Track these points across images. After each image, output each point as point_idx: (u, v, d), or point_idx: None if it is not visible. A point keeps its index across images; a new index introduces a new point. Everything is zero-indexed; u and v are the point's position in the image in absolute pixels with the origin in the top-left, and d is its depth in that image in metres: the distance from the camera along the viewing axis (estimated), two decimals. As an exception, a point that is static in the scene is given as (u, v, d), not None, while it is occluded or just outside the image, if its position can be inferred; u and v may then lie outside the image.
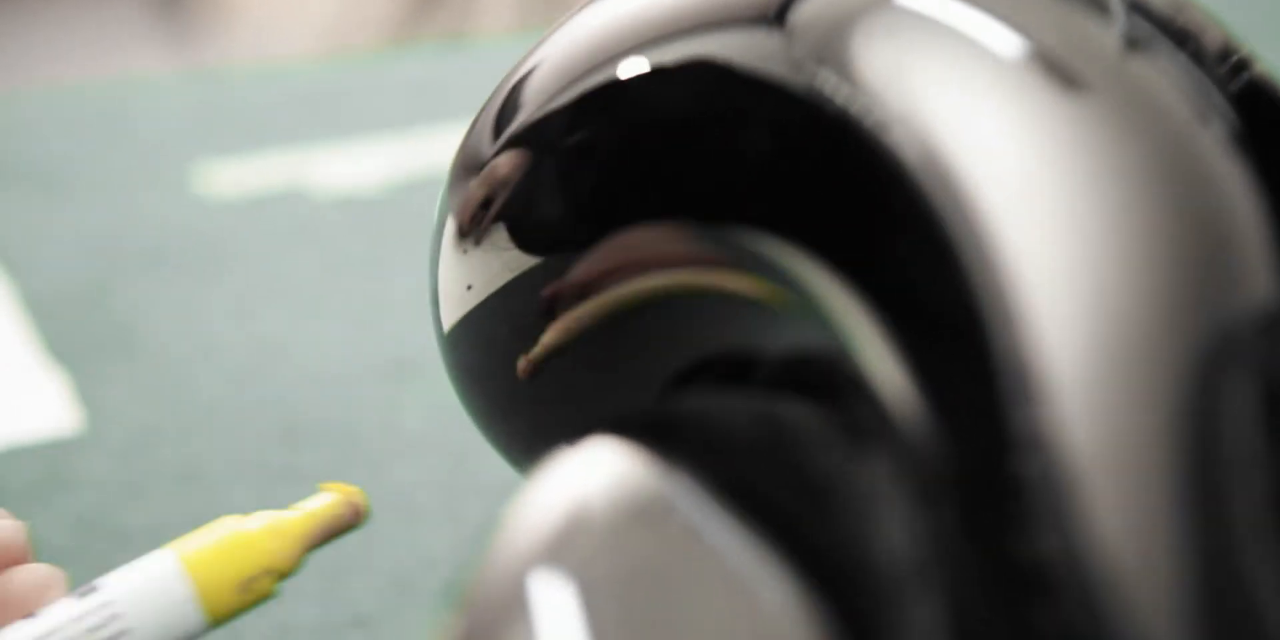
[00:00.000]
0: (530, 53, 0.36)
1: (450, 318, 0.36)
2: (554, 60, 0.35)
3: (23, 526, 0.37)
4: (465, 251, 0.35)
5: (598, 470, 0.26)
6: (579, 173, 0.33)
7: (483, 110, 0.36)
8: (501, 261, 0.35)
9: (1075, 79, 0.27)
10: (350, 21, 2.22)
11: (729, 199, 0.30)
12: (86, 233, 0.78)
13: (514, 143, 0.34)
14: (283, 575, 0.37)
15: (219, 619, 0.37)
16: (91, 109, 0.95)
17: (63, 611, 0.34)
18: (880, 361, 0.25)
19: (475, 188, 0.35)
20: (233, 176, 0.84)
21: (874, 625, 0.23)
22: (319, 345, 0.68)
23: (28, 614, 0.34)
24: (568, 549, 0.24)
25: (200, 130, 0.90)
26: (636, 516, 0.24)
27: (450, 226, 0.36)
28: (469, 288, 0.35)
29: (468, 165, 0.35)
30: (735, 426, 0.27)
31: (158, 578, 0.36)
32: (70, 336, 0.68)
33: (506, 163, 0.34)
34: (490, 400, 0.37)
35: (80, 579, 0.38)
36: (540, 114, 0.34)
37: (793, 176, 0.29)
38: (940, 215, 0.25)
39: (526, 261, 0.35)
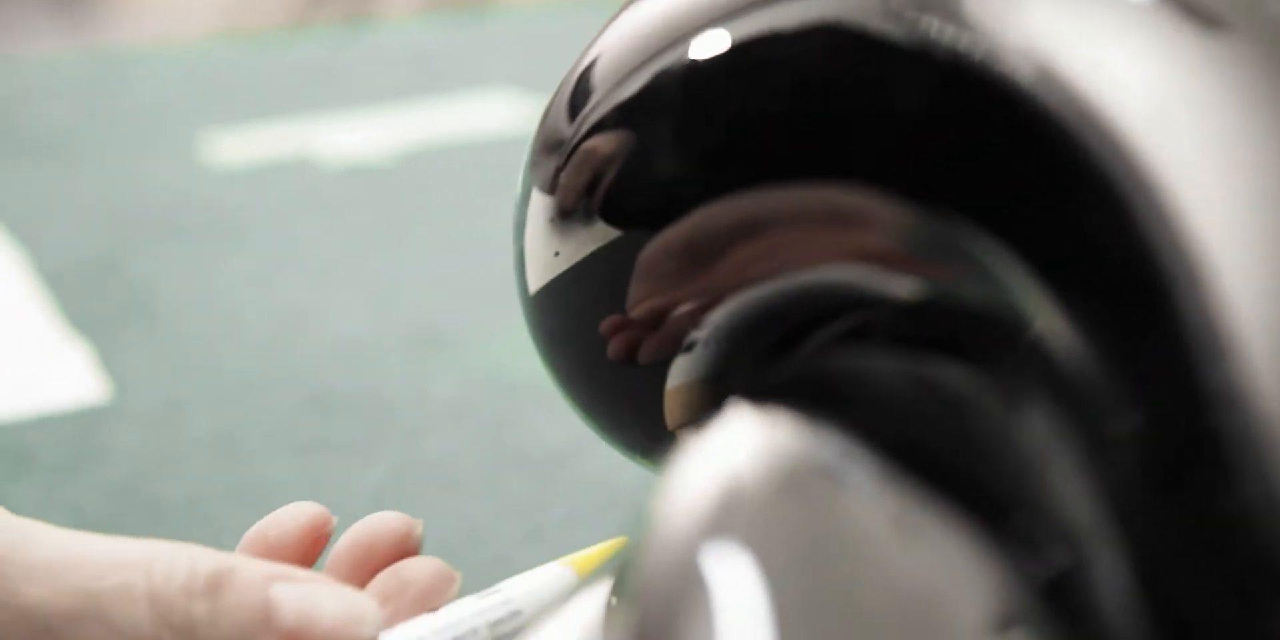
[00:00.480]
0: (607, 28, 0.35)
1: (537, 282, 0.35)
2: (634, 34, 0.34)
3: (419, 524, 0.37)
4: (552, 220, 0.35)
5: (747, 441, 0.25)
6: (669, 142, 0.33)
7: (566, 81, 0.35)
8: (591, 231, 0.34)
9: (1213, 18, 0.27)
10: (252, 6, 2.18)
11: (860, 157, 0.29)
12: (96, 204, 0.77)
13: (605, 116, 0.34)
14: None
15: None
16: (92, 79, 0.94)
17: (465, 605, 0.34)
18: (1052, 321, 0.24)
19: (564, 160, 0.34)
20: (239, 146, 0.83)
21: (1059, 583, 0.22)
22: (342, 315, 0.67)
23: (429, 608, 0.34)
24: (730, 526, 0.23)
25: (203, 100, 0.89)
26: (796, 486, 0.24)
27: (537, 197, 0.35)
28: (556, 254, 0.35)
29: (552, 139, 0.35)
30: (891, 388, 0.27)
31: (556, 585, 0.36)
32: (88, 306, 0.67)
33: (599, 135, 0.34)
34: (576, 362, 0.36)
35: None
36: (630, 87, 0.33)
37: (929, 133, 0.28)
38: (1105, 166, 0.25)
39: (616, 232, 0.34)
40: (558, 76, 0.37)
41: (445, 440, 0.59)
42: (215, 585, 0.30)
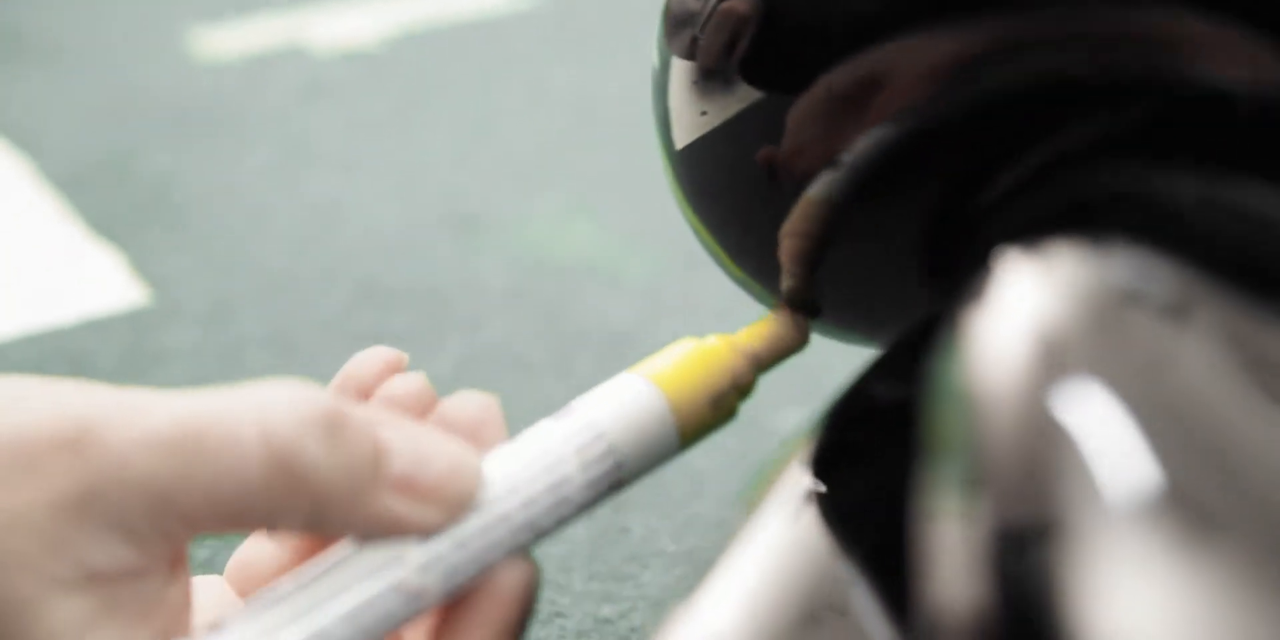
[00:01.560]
0: None
1: (684, 139, 0.35)
2: None
3: (403, 355, 0.35)
4: (696, 83, 0.34)
5: (1046, 277, 0.24)
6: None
7: None
8: (736, 92, 0.34)
9: None
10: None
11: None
12: (95, 105, 0.74)
13: None
14: (744, 393, 0.35)
15: (690, 438, 0.35)
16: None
17: (545, 432, 0.32)
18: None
19: (701, 26, 0.34)
20: (228, 39, 0.81)
21: None
22: (372, 204, 0.66)
23: (486, 442, 0.32)
24: (1067, 371, 0.22)
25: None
26: (1121, 324, 0.22)
27: (678, 63, 0.35)
28: (703, 114, 0.34)
29: (684, 9, 0.35)
30: (1191, 210, 0.25)
31: (633, 398, 0.34)
32: (108, 209, 0.65)
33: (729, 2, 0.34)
34: (726, 212, 0.35)
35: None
36: None
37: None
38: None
39: (760, 93, 0.34)
40: None
41: (505, 326, 0.57)
42: (331, 424, 0.28)
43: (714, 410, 0.34)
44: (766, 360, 0.35)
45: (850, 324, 0.37)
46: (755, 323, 0.36)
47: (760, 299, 0.39)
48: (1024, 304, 0.23)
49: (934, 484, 0.22)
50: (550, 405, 0.53)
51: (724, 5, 0.34)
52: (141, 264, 0.61)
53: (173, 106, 0.73)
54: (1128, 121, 0.28)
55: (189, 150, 0.70)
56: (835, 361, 0.56)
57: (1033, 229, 0.26)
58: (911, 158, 0.32)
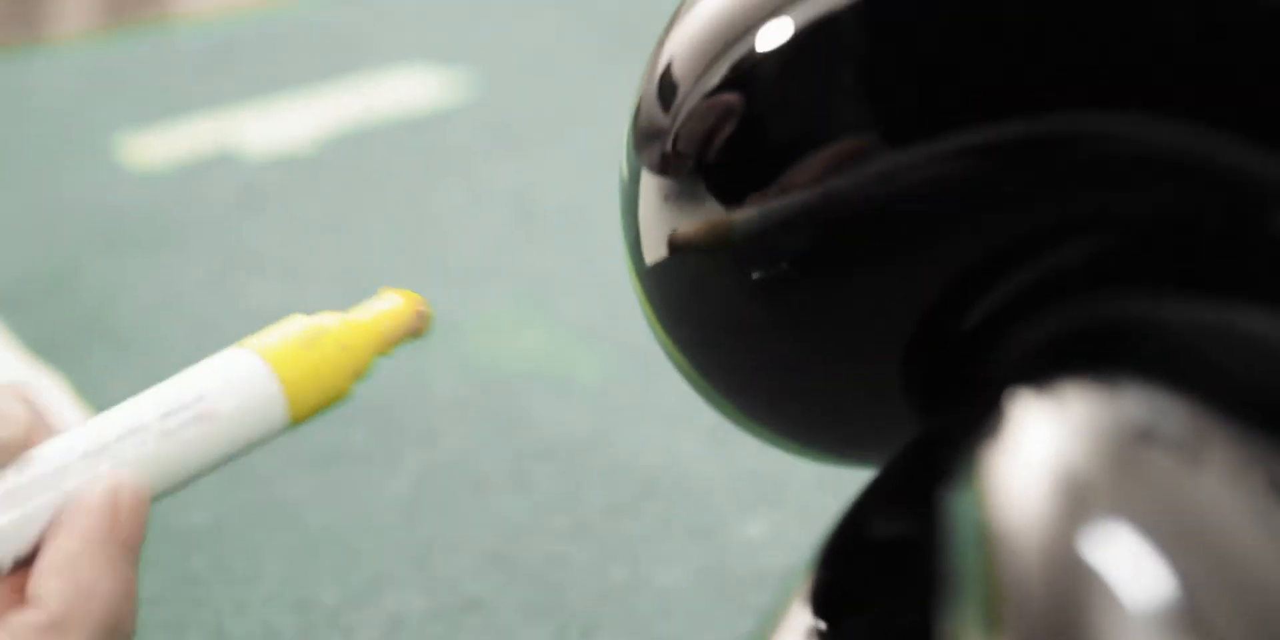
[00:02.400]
0: (675, 26, 0.35)
1: (654, 256, 0.34)
2: (708, 21, 0.34)
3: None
4: (667, 198, 0.34)
5: (1064, 421, 0.23)
6: (762, 117, 0.32)
7: (651, 76, 0.35)
8: (706, 208, 0.34)
9: None
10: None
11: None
12: (25, 220, 0.73)
13: (694, 107, 0.33)
14: (358, 375, 0.35)
15: (299, 418, 0.34)
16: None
17: (148, 402, 0.33)
18: None
19: (670, 145, 0.34)
20: (159, 146, 0.80)
21: None
22: (313, 312, 0.65)
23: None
24: (1094, 516, 0.22)
25: (110, 97, 0.85)
26: (1141, 464, 0.22)
27: (647, 178, 0.34)
28: (675, 230, 0.34)
29: (651, 127, 0.34)
30: (1197, 338, 0.25)
31: (245, 374, 0.34)
32: (48, 330, 0.64)
33: (694, 122, 0.34)
34: (696, 327, 0.35)
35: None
36: (733, 64, 0.33)
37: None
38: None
39: (730, 208, 0.34)
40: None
41: (460, 440, 0.57)
42: None
43: (323, 393, 0.34)
44: (389, 341, 0.35)
45: (822, 444, 0.37)
46: (376, 300, 0.35)
47: (732, 419, 0.38)
48: (1042, 445, 0.23)
49: (951, 624, 0.22)
50: (511, 525, 0.52)
51: (693, 122, 0.34)
52: (85, 387, 0.59)
53: (107, 218, 0.72)
54: (1116, 243, 0.28)
55: (127, 263, 0.68)
56: (794, 469, 0.55)
57: (1035, 359, 0.25)
58: (895, 275, 0.32)
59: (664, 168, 0.34)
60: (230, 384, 0.33)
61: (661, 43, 0.35)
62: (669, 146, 0.34)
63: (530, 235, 0.70)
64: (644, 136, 0.35)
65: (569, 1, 0.93)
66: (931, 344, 0.31)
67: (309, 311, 0.64)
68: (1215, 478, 0.21)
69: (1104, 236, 0.28)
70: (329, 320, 0.35)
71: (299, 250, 0.69)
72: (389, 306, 0.36)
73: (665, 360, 0.60)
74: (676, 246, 0.34)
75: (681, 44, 0.34)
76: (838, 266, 0.31)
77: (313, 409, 0.34)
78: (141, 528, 0.31)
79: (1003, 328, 0.29)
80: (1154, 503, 0.21)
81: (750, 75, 0.32)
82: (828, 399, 0.33)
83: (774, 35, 0.32)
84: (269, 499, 0.53)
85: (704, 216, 0.34)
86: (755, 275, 0.32)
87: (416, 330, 0.36)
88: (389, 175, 0.76)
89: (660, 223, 0.35)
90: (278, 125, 0.82)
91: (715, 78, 0.33)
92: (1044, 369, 0.25)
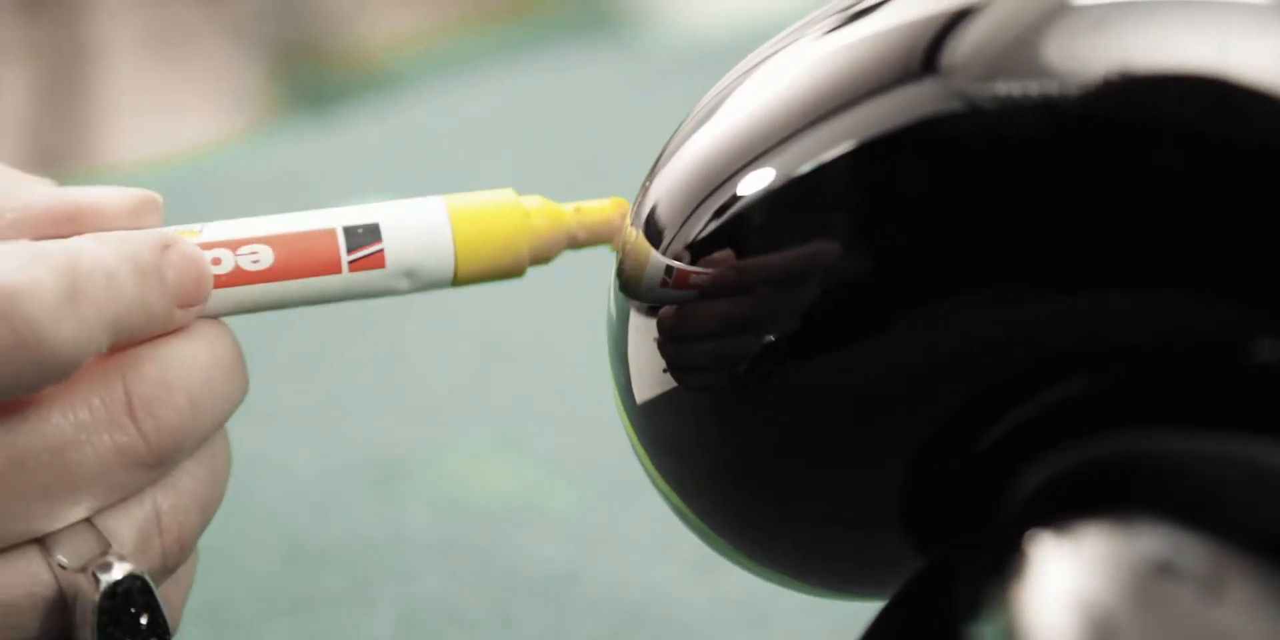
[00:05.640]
0: (664, 165, 0.35)
1: (645, 394, 0.34)
2: (704, 163, 0.34)
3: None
4: (657, 340, 0.34)
5: (1085, 560, 0.23)
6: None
7: (639, 215, 0.35)
8: (698, 349, 0.34)
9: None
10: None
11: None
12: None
13: (679, 252, 0.33)
14: (539, 260, 0.36)
15: (463, 279, 0.36)
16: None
17: (324, 214, 0.35)
18: None
19: (659, 287, 0.34)
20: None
21: None
22: (290, 458, 0.64)
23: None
24: None
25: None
26: (1166, 605, 0.22)
27: (636, 319, 0.34)
28: (665, 371, 0.34)
29: (639, 269, 0.34)
30: (1213, 474, 0.25)
31: (424, 218, 0.35)
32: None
33: (682, 266, 0.34)
34: (688, 466, 0.35)
35: None
36: (719, 208, 0.33)
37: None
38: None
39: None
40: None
41: (439, 579, 0.56)
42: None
43: (496, 262, 0.35)
44: (583, 239, 0.36)
45: (819, 579, 0.37)
46: (595, 203, 0.37)
47: (731, 559, 0.38)
48: (1064, 582, 0.23)
49: None
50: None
51: (684, 268, 0.34)
52: (56, 541, 0.59)
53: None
54: (1124, 377, 0.28)
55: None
56: (782, 595, 0.55)
57: (1049, 496, 0.25)
58: (898, 412, 0.31)
59: (653, 309, 0.34)
60: (404, 221, 0.35)
61: (646, 186, 0.35)
62: (660, 291, 0.34)
63: (500, 367, 0.69)
64: (631, 279, 0.35)
65: (527, 134, 0.93)
66: (937, 479, 0.31)
67: (280, 455, 0.64)
68: (1236, 609, 0.21)
69: (1111, 370, 0.28)
70: (532, 199, 0.37)
71: (265, 392, 0.69)
72: (594, 204, 0.37)
73: (642, 490, 0.60)
74: (667, 386, 0.34)
75: (667, 187, 0.34)
76: (834, 406, 0.31)
77: (480, 272, 0.36)
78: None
79: (1011, 464, 0.29)
80: (1177, 635, 0.21)
81: (737, 221, 0.32)
82: (827, 536, 0.33)
83: (760, 182, 0.32)
84: (246, 647, 0.53)
85: (695, 357, 0.34)
86: (750, 412, 0.32)
87: (611, 239, 0.37)
88: (354, 310, 0.76)
89: (651, 364, 0.35)
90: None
91: (701, 222, 0.33)
92: (1059, 505, 0.25)
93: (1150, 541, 0.23)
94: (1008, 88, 0.29)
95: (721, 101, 0.34)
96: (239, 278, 0.37)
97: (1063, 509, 0.25)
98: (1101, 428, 0.27)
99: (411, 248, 0.35)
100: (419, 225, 0.35)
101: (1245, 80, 0.28)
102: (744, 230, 0.32)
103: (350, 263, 0.35)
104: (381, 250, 0.35)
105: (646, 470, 0.37)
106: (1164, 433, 0.26)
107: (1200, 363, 0.27)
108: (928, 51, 0.30)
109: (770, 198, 0.32)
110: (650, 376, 0.34)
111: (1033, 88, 0.29)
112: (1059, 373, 0.28)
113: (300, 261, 0.36)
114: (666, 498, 0.37)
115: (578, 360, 0.71)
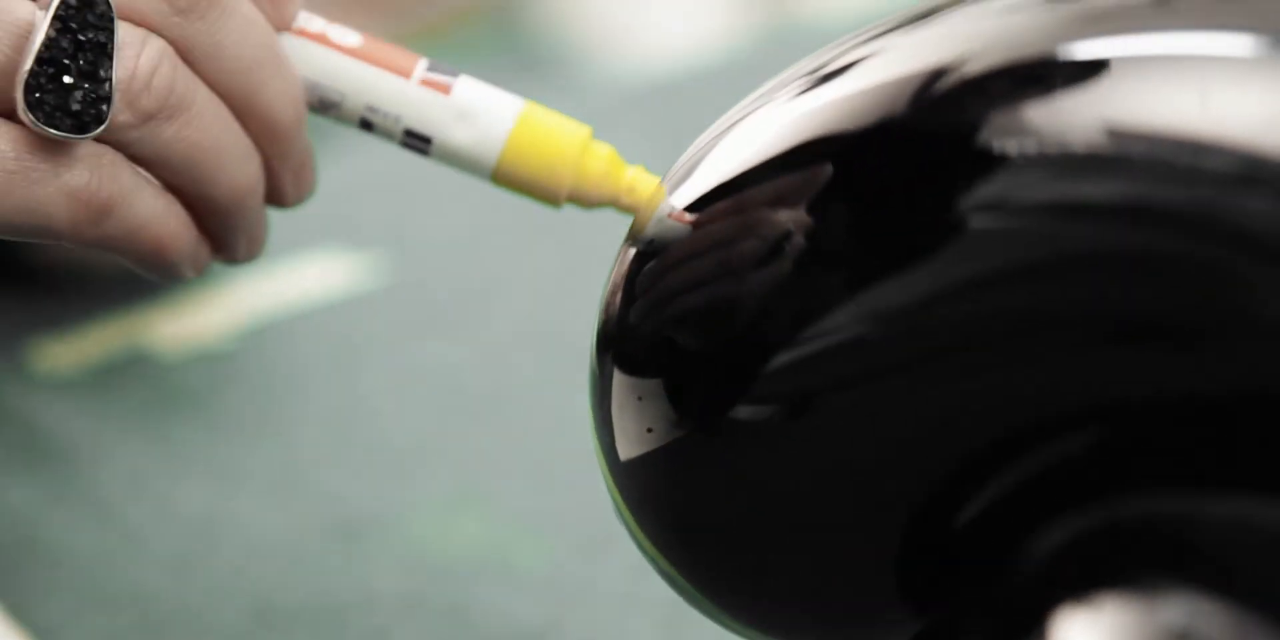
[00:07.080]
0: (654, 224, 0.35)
1: (628, 452, 0.34)
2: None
3: None
4: (641, 399, 0.34)
5: (1105, 630, 0.23)
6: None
7: (625, 264, 0.35)
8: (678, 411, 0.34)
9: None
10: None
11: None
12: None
13: (657, 324, 0.34)
14: (578, 200, 0.37)
15: (501, 178, 0.37)
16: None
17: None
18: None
19: (642, 347, 0.34)
20: (68, 351, 0.79)
21: None
22: (251, 517, 0.63)
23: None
24: None
25: (18, 303, 0.84)
26: None
27: (619, 377, 0.34)
28: (649, 430, 0.34)
29: (621, 325, 0.34)
30: (1223, 537, 0.25)
31: (502, 96, 0.37)
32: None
33: (664, 329, 0.34)
34: (670, 523, 0.34)
35: None
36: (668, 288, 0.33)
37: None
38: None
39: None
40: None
41: (410, 636, 0.55)
42: None
43: (535, 174, 0.36)
44: (626, 202, 0.37)
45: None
46: (649, 178, 0.37)
47: (711, 616, 0.37)
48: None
49: None
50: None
51: (668, 327, 0.34)
52: (21, 611, 0.58)
53: (20, 430, 0.71)
54: (1133, 438, 0.28)
55: (47, 477, 0.67)
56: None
57: (1063, 561, 0.25)
58: (893, 470, 0.31)
59: (636, 368, 0.34)
60: (483, 88, 0.37)
61: (627, 245, 0.35)
62: (641, 347, 0.34)
63: (461, 419, 0.69)
64: (613, 336, 0.34)
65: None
66: (936, 541, 0.30)
67: (245, 514, 0.63)
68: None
69: (1124, 430, 0.28)
70: (603, 144, 0.37)
71: (223, 450, 0.68)
72: (648, 180, 0.37)
73: (612, 544, 0.59)
74: (651, 444, 0.34)
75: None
76: (827, 462, 0.31)
77: (520, 176, 0.37)
78: None
79: (1021, 525, 0.28)
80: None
81: (721, 280, 0.32)
82: (817, 597, 0.33)
83: (747, 245, 0.32)
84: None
85: (678, 415, 0.33)
86: (736, 470, 0.32)
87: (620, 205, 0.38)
88: (311, 364, 0.75)
89: (636, 421, 0.34)
90: (191, 321, 0.81)
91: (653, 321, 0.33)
92: (1076, 570, 0.25)
93: (1170, 611, 0.22)
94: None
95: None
96: (323, 40, 0.38)
97: (1080, 575, 0.25)
98: (1116, 489, 0.27)
99: (478, 105, 0.37)
100: (492, 96, 0.37)
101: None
102: (724, 289, 0.32)
103: (421, 79, 0.37)
104: (451, 84, 0.37)
105: (631, 532, 0.36)
106: (1183, 495, 0.26)
107: (1215, 422, 0.27)
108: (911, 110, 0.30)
109: (755, 260, 0.32)
110: (634, 435, 0.34)
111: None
112: (1065, 432, 0.28)
113: (381, 56, 0.38)
114: (654, 562, 0.36)
115: (542, 410, 0.71)
